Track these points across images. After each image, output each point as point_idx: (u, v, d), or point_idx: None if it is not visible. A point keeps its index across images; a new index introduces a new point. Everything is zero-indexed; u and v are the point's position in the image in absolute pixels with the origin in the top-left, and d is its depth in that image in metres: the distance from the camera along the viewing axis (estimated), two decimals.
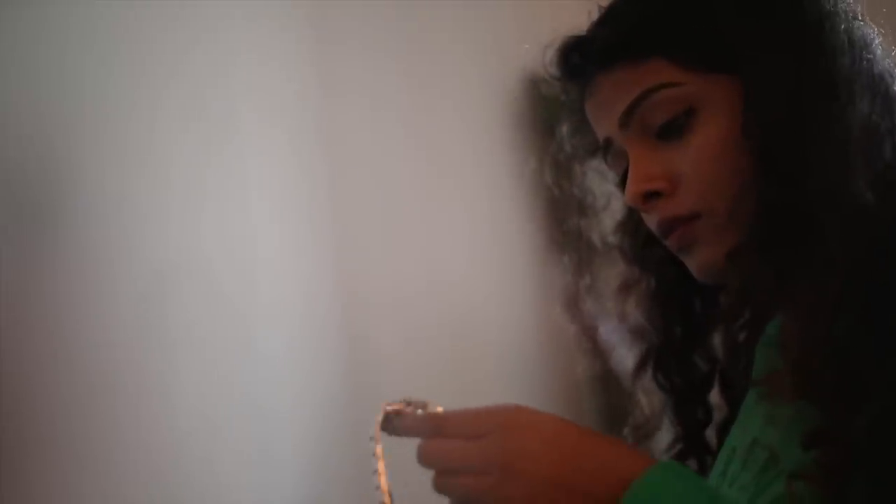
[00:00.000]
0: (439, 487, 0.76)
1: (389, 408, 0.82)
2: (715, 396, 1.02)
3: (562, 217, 2.01)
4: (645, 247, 1.03)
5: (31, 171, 1.23)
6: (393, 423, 0.81)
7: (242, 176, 1.57)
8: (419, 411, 0.81)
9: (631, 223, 1.05)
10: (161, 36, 1.44)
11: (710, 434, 1.01)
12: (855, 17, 0.89)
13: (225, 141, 1.54)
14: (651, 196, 0.90)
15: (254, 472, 1.50)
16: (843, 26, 0.87)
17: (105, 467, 1.25)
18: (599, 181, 1.09)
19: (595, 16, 0.96)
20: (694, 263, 0.92)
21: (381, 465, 0.80)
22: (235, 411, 1.47)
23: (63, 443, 1.21)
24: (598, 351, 2.13)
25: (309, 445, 1.62)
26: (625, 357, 2.02)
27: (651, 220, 0.93)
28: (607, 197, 1.10)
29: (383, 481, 0.80)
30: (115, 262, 1.32)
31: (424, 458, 0.76)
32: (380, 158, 1.89)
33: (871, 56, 0.88)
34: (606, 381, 2.10)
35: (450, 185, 2.08)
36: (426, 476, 0.78)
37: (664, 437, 1.03)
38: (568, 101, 1.02)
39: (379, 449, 0.82)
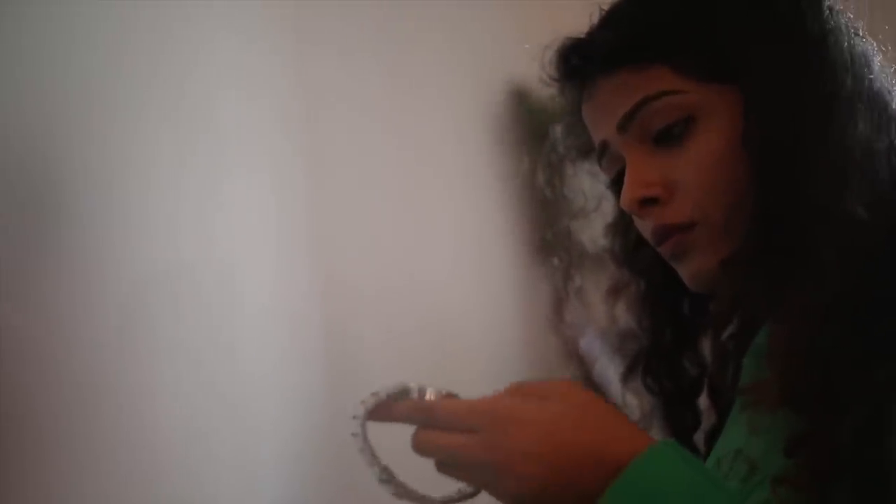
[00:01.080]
0: (441, 471, 0.77)
1: (371, 398, 0.80)
2: (704, 401, 1.02)
3: (548, 219, 2.01)
4: (635, 250, 1.03)
5: (35, 172, 1.23)
6: (381, 411, 0.80)
7: (226, 178, 1.57)
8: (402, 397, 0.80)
9: (621, 225, 1.05)
10: (144, 36, 1.43)
11: (699, 439, 1.01)
12: (856, 34, 0.90)
13: (208, 144, 1.54)
14: (647, 202, 0.90)
15: (236, 471, 1.50)
16: (844, 43, 0.87)
17: (92, 469, 1.25)
18: (590, 183, 1.09)
19: (596, 18, 0.96)
20: (686, 272, 0.92)
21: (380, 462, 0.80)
22: (218, 411, 1.47)
23: (60, 443, 1.21)
24: (580, 361, 2.14)
25: (290, 444, 1.62)
26: (606, 367, 2.03)
27: (645, 227, 0.93)
28: (598, 199, 1.10)
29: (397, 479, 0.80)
30: (118, 264, 1.32)
31: (417, 448, 0.76)
32: (362, 159, 1.89)
33: (870, 73, 0.88)
34: (590, 385, 2.11)
35: (432, 185, 2.08)
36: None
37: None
38: (563, 101, 1.01)
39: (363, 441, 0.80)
